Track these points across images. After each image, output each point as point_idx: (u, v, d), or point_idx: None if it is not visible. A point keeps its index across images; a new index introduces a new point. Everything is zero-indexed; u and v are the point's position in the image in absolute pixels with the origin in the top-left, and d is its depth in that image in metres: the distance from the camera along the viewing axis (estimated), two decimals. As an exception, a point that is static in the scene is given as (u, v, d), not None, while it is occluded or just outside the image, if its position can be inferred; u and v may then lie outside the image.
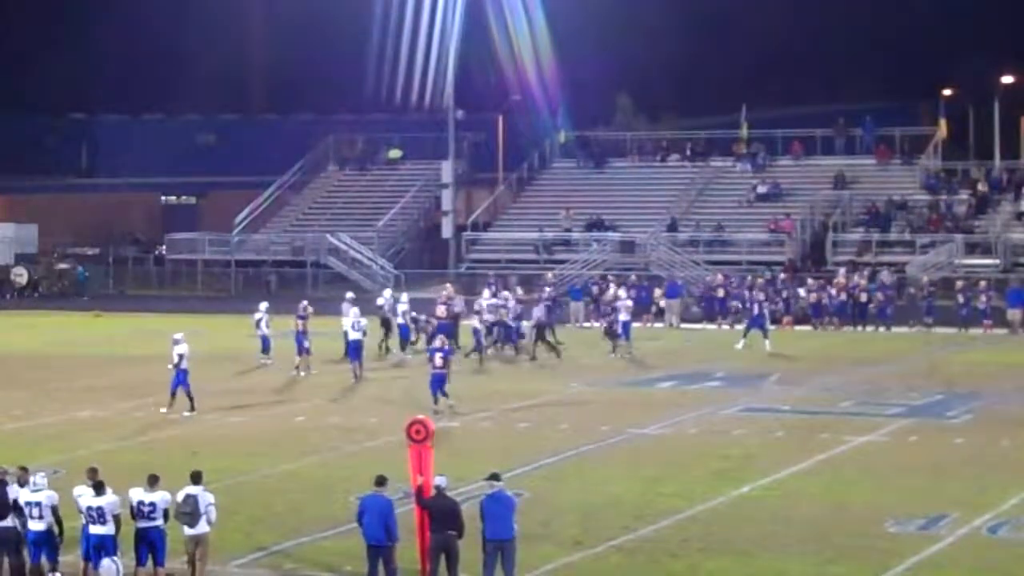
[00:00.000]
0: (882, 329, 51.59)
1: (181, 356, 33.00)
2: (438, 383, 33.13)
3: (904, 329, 51.34)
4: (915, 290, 53.85)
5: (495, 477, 19.13)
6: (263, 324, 42.36)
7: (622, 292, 46.96)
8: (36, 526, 19.17)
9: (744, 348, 45.12)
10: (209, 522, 19.12)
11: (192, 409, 32.93)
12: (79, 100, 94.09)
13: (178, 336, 33.62)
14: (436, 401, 33.02)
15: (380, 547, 18.76)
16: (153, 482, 19.13)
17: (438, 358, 33.28)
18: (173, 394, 33.06)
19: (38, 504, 19.09)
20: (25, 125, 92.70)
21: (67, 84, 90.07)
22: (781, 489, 25.11)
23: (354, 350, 39.43)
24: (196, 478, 19.31)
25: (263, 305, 43.14)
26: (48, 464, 24.06)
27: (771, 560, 20.63)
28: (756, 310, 46.51)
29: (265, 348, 42.27)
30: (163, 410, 33.00)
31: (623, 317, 44.31)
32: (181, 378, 33.06)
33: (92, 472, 19.45)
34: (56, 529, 19.22)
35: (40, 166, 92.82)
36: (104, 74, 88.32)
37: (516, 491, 21.08)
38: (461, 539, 18.78)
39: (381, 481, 19.08)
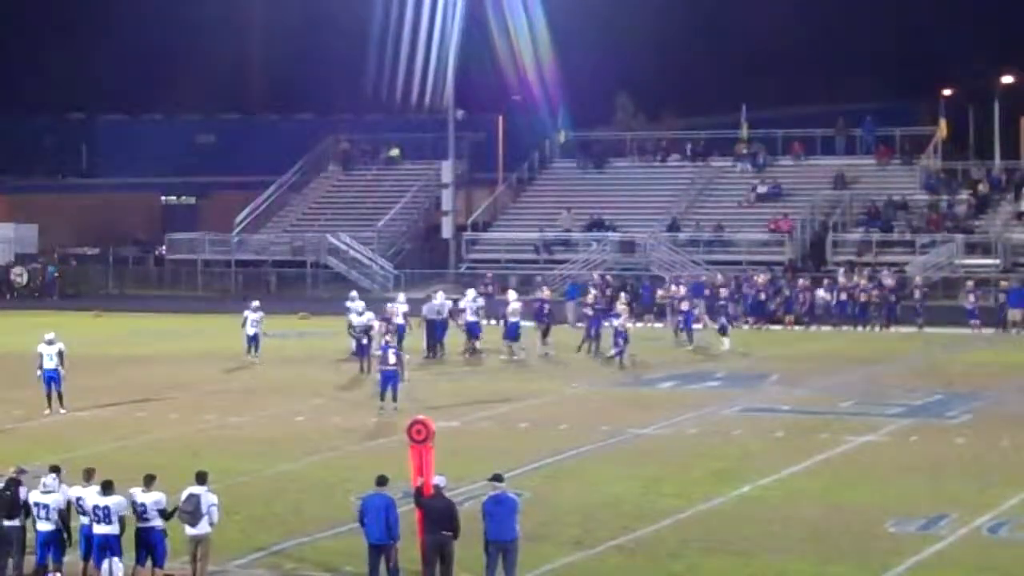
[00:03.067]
0: (879, 329, 51.60)
1: (62, 354, 33.15)
2: (387, 381, 33.04)
3: (903, 329, 51.29)
4: (910, 290, 53.74)
5: (498, 478, 19.13)
6: (250, 323, 42.42)
7: (512, 294, 45.68)
8: (44, 526, 19.23)
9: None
10: (211, 523, 19.12)
11: (62, 408, 33.05)
12: (79, 100, 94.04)
13: (51, 336, 33.66)
14: (383, 398, 33.00)
15: (382, 546, 18.76)
16: (149, 482, 19.13)
17: (390, 355, 33.24)
18: (50, 395, 33.21)
19: (46, 506, 19.14)
20: (25, 125, 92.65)
21: (67, 84, 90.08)
22: (781, 489, 25.11)
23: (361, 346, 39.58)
24: (201, 478, 19.30)
25: (254, 304, 43.18)
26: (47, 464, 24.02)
27: (771, 560, 20.63)
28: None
29: (255, 347, 42.35)
30: (45, 412, 33.07)
31: (511, 318, 43.44)
32: (56, 377, 33.11)
33: (88, 473, 19.45)
34: (64, 531, 19.28)
35: (40, 166, 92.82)
36: (104, 74, 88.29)
37: (516, 491, 21.07)
38: (456, 539, 18.77)
39: (382, 481, 19.08)
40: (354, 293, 45.17)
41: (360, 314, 41.29)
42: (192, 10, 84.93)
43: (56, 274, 70.26)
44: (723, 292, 50.86)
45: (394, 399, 33.06)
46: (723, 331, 45.44)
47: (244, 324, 42.69)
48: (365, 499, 19.19)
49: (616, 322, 41.83)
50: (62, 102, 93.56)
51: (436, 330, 43.46)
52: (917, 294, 52.77)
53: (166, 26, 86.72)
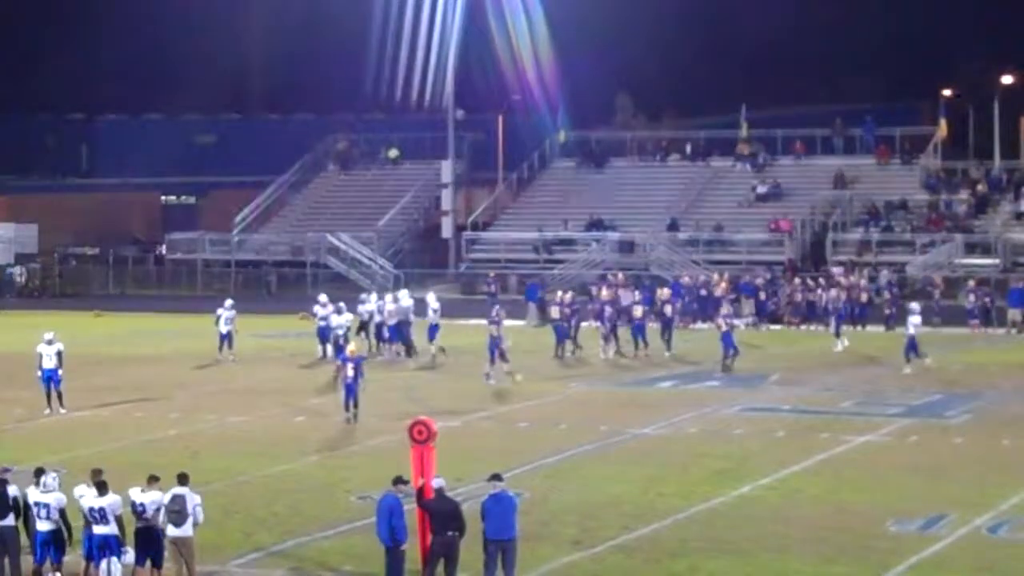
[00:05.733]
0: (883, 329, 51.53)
1: (60, 354, 33.20)
2: (350, 393, 32.08)
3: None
4: (930, 288, 53.64)
5: (497, 477, 19.16)
6: (223, 321, 42.45)
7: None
8: (44, 526, 19.20)
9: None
10: (196, 523, 19.06)
11: (62, 408, 33.09)
12: (79, 100, 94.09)
13: (51, 335, 33.69)
14: (348, 408, 32.04)
15: (388, 548, 18.69)
16: (150, 482, 19.12)
17: (349, 368, 32.20)
18: (50, 395, 33.25)
19: (46, 505, 19.13)
20: (25, 125, 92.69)
21: (67, 84, 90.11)
22: (781, 489, 25.11)
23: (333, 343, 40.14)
24: (183, 479, 19.29)
25: (228, 302, 43.19)
26: (48, 464, 24.02)
27: (771, 560, 20.64)
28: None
29: (229, 345, 42.50)
30: (45, 412, 33.08)
31: (390, 320, 43.08)
32: (56, 377, 33.13)
33: (95, 473, 19.44)
34: (64, 531, 19.26)
35: (40, 166, 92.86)
36: (104, 74, 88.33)
37: (516, 491, 21.08)
38: (463, 538, 18.78)
39: (396, 481, 18.94)
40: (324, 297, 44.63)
41: (340, 314, 41.44)
42: (192, 10, 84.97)
43: (15, 275, 70.10)
44: (831, 294, 49.80)
45: (355, 407, 32.13)
46: (836, 332, 45.38)
47: (217, 322, 42.84)
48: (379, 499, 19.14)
49: (736, 322, 41.65)
50: (62, 102, 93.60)
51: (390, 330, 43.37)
52: (936, 294, 52.70)
53: (166, 26, 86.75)
